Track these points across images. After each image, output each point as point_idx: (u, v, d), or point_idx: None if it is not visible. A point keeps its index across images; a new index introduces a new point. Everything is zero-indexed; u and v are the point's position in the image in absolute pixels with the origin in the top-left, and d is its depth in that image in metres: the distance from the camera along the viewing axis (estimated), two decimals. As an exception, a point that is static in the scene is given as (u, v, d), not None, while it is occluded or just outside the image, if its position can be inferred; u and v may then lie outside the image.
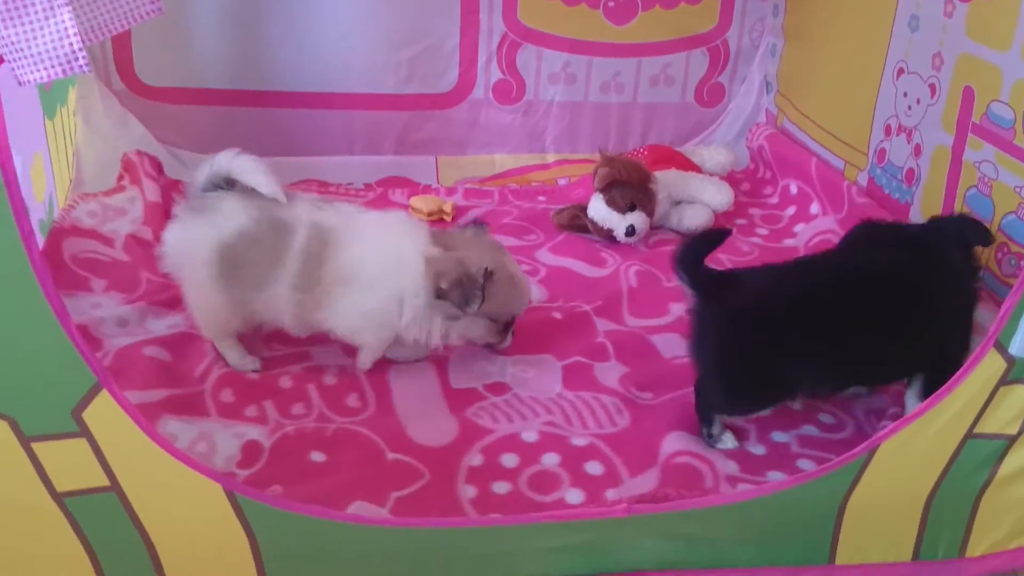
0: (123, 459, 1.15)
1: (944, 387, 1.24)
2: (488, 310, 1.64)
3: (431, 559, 1.28)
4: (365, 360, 1.73)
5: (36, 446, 1.12)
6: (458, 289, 1.59)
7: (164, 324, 1.83)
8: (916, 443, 1.26)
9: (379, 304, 1.63)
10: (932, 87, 1.97)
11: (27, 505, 1.16)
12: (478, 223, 1.77)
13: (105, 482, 1.16)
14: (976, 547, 1.35)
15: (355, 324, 1.67)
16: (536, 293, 1.88)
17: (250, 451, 1.50)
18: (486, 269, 1.60)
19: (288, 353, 1.78)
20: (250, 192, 1.66)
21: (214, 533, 1.21)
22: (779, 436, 1.59)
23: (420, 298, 1.62)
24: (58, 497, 1.16)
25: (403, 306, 1.63)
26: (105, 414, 1.12)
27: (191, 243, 1.66)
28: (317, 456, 1.50)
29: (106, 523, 1.18)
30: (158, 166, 2.38)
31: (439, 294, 1.60)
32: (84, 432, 1.12)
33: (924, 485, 1.30)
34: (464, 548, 1.28)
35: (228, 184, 1.67)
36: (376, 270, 1.63)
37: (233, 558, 1.22)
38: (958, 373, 1.23)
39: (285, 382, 1.69)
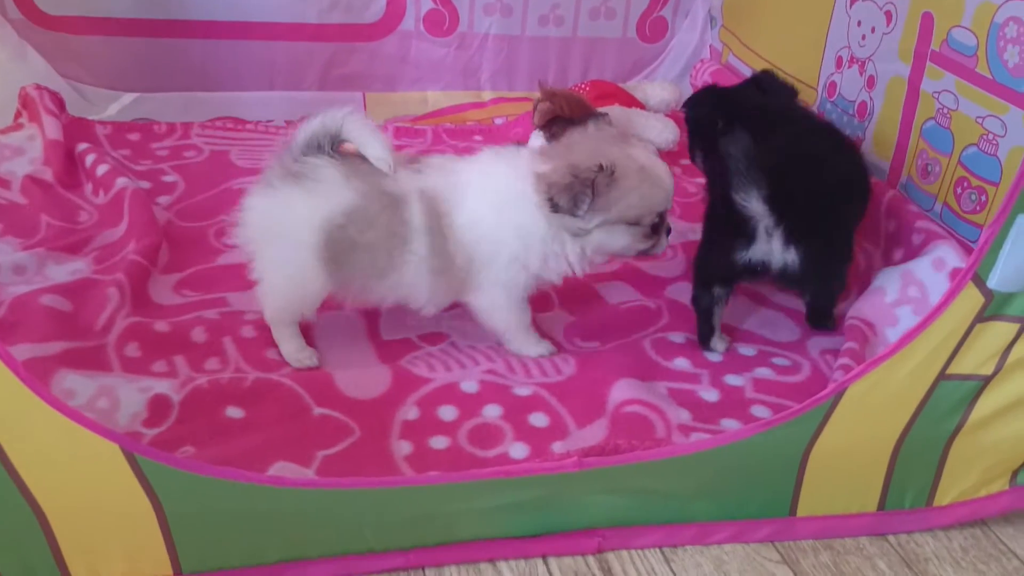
0: (5, 419, 1.00)
1: (918, 324, 1.15)
2: (622, 212, 1.41)
3: (363, 523, 1.16)
4: (520, 345, 1.54)
5: (-98, 407, 0.97)
6: (567, 194, 1.38)
7: (65, 271, 1.68)
8: (886, 385, 1.17)
9: (515, 267, 1.46)
10: (888, 14, 1.87)
11: None
12: (597, 115, 1.54)
13: (-16, 444, 1.01)
14: (945, 496, 1.28)
15: (498, 302, 1.50)
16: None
17: (158, 407, 1.35)
18: (600, 164, 1.38)
19: (202, 299, 1.63)
20: (347, 158, 1.45)
21: (113, 500, 1.07)
22: (733, 380, 1.50)
23: (542, 227, 1.43)
24: (-71, 461, 1.01)
25: (531, 249, 1.45)
26: (-17, 370, 0.97)
27: (285, 217, 1.44)
28: (234, 412, 1.36)
29: (-12, 492, 1.04)
30: (59, 102, 2.19)
31: (554, 207, 1.40)
32: (-43, 389, 0.97)
33: (893, 431, 1.21)
34: (399, 509, 1.16)
35: (332, 146, 1.45)
36: (494, 228, 1.44)
37: (136, 527, 1.08)
38: (933, 309, 1.14)
39: (198, 335, 1.53)
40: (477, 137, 2.40)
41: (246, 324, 1.56)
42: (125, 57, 2.35)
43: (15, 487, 1.04)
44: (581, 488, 1.18)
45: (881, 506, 1.27)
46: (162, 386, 1.38)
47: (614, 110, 2.24)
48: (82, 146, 2.06)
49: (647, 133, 2.20)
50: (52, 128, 2.06)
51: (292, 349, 1.50)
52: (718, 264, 1.54)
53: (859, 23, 1.97)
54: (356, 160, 1.44)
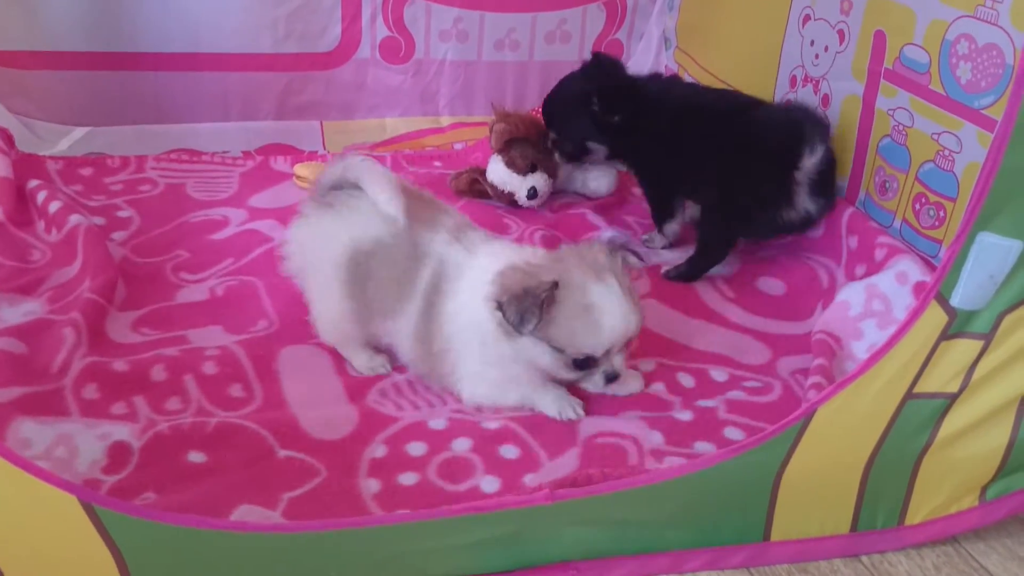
0: (-45, 474, 0.97)
1: (884, 344, 1.15)
2: (550, 336, 1.37)
3: (330, 565, 1.13)
4: (556, 412, 1.46)
5: None
6: (513, 303, 1.34)
7: (18, 312, 1.62)
8: (854, 406, 1.17)
9: (482, 361, 1.43)
10: (840, 33, 1.89)
11: None
12: (616, 245, 1.48)
13: (-67, 501, 0.97)
14: (916, 514, 1.28)
15: (482, 393, 1.47)
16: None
17: (117, 454, 1.31)
18: (554, 282, 1.35)
19: (161, 337, 1.59)
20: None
21: (72, 552, 1.04)
22: (705, 403, 1.49)
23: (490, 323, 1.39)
24: None
25: (485, 346, 1.42)
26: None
27: (320, 240, 1.52)
28: (196, 456, 1.32)
29: (-61, 551, 1.00)
30: (9, 139, 2.16)
31: (498, 308, 1.36)
32: (-98, 444, 0.94)
33: (862, 451, 1.21)
34: (368, 550, 1.14)
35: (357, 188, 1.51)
36: (463, 322, 1.43)
37: (97, 579, 1.05)
38: (898, 328, 1.15)
39: (158, 373, 1.49)
40: (437, 163, 2.39)
41: (207, 360, 1.52)
42: (75, 91, 2.31)
43: (-32, 543, 1.00)
44: (554, 521, 1.17)
45: (854, 527, 1.27)
46: (122, 432, 1.34)
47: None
48: (33, 183, 2.01)
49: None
50: (0, 166, 2.01)
51: (361, 362, 1.55)
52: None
53: (812, 42, 1.99)
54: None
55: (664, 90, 1.99)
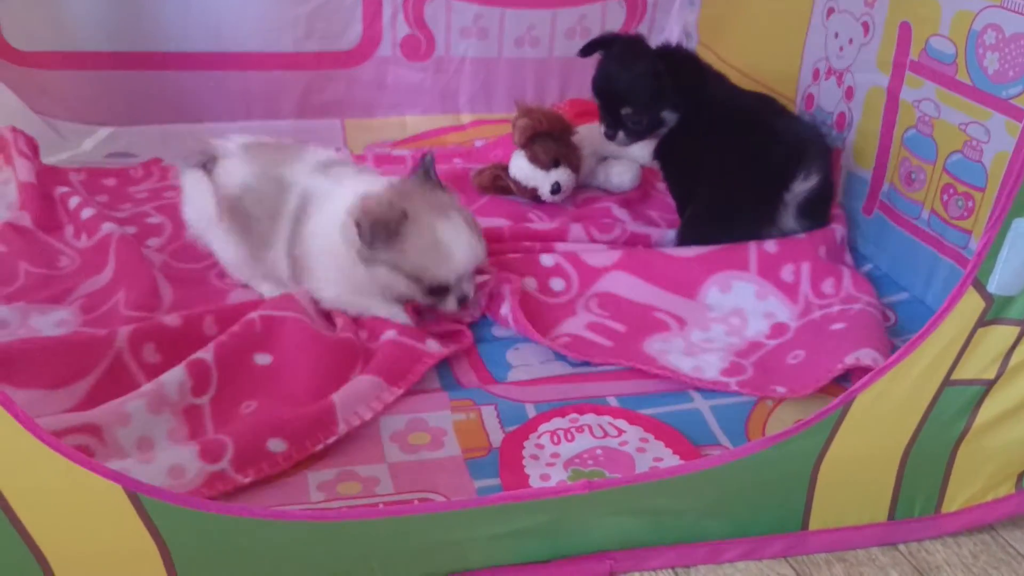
0: (5, 464, 0.97)
1: (921, 331, 1.15)
2: (402, 265, 1.55)
3: (371, 554, 1.13)
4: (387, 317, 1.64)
5: None
6: (367, 222, 1.51)
7: (49, 321, 1.61)
8: (893, 393, 1.17)
9: (336, 272, 1.61)
10: (865, 25, 1.89)
11: None
12: (424, 159, 1.64)
13: (-17, 491, 0.98)
14: (952, 502, 1.27)
15: (335, 299, 1.64)
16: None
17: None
18: (403, 211, 1.52)
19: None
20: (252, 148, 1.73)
21: (117, 541, 1.04)
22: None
23: (344, 247, 1.57)
24: (-76, 512, 0.98)
25: (343, 260, 1.58)
26: (-22, 413, 0.94)
27: (199, 201, 1.73)
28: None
29: (-13, 539, 1.00)
30: (34, 147, 2.14)
31: (357, 230, 1.53)
32: (-48, 435, 0.94)
33: (900, 439, 1.21)
34: (407, 540, 1.14)
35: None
36: (320, 241, 1.61)
37: (140, 568, 1.05)
38: (936, 315, 1.14)
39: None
40: (457, 160, 2.39)
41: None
42: (99, 91, 2.33)
43: (15, 532, 1.01)
44: (591, 510, 1.17)
45: (891, 515, 1.27)
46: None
47: (595, 127, 2.24)
48: (62, 189, 2.01)
49: (630, 150, 2.20)
50: (25, 171, 2.01)
51: (267, 289, 1.72)
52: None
53: (836, 35, 1.99)
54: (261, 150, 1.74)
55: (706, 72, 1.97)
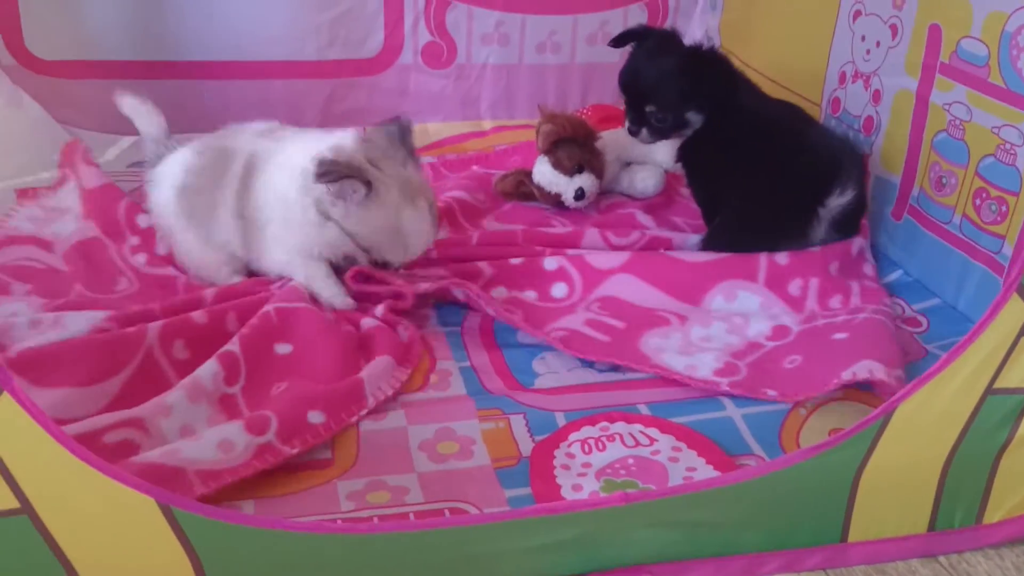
0: (34, 475, 0.97)
1: (964, 339, 1.13)
2: (356, 233, 1.58)
3: (405, 567, 1.12)
4: (327, 298, 1.66)
5: (-76, 468, 0.93)
6: (333, 172, 1.51)
7: (81, 320, 1.56)
8: (934, 402, 1.15)
9: (285, 230, 1.63)
10: (893, 28, 1.87)
11: (-83, 540, 0.96)
12: (400, 121, 1.68)
13: (14, 503, 0.97)
14: (994, 513, 1.25)
15: (279, 259, 1.67)
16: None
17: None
18: (369, 183, 1.53)
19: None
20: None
21: (149, 554, 1.03)
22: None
23: (302, 200, 1.58)
24: (-43, 527, 0.97)
25: (291, 220, 1.61)
26: (8, 422, 0.93)
27: (156, 199, 1.77)
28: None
29: (19, 553, 1.00)
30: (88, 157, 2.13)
31: (316, 176, 1.52)
32: (-17, 446, 0.93)
33: (942, 448, 1.19)
34: (441, 552, 1.12)
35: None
36: (271, 194, 1.63)
37: (173, 582, 1.04)
38: (979, 322, 1.12)
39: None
40: (475, 167, 2.38)
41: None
42: (122, 100, 2.32)
43: (46, 546, 1.00)
44: (628, 523, 1.15)
45: (931, 527, 1.24)
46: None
47: (619, 132, 2.23)
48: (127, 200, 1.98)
49: (655, 155, 2.19)
50: (91, 178, 2.00)
51: (224, 276, 1.74)
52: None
53: (863, 37, 1.97)
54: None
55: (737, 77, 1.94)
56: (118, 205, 1.94)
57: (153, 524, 1.00)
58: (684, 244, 1.94)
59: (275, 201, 1.64)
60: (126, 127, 2.32)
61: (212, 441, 1.28)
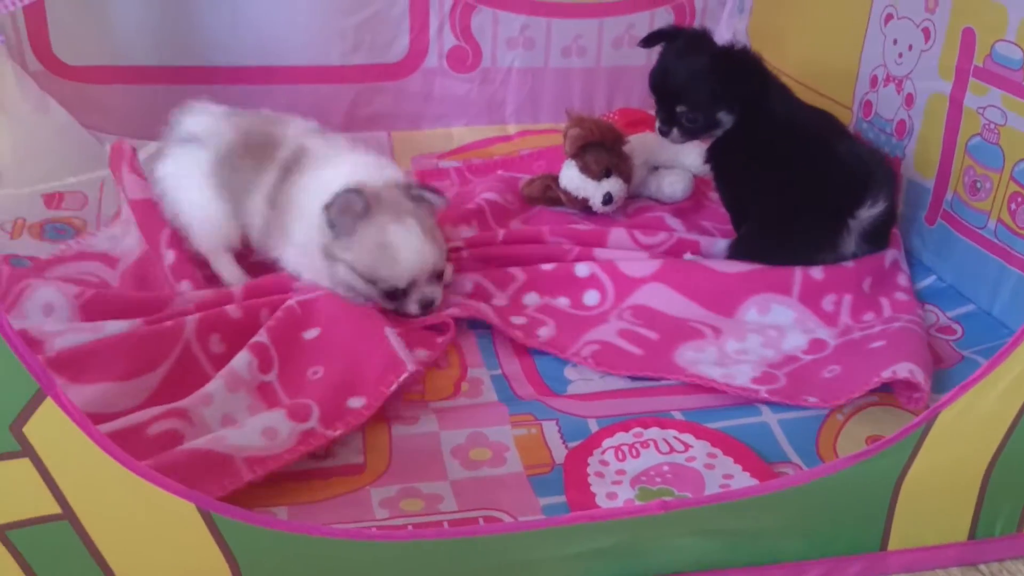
0: (75, 480, 0.97)
1: (1006, 345, 1.12)
2: (355, 264, 1.61)
3: (439, 573, 1.11)
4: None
5: (-32, 472, 0.93)
6: (334, 208, 1.58)
7: (121, 324, 1.55)
8: (977, 409, 1.14)
9: (305, 238, 1.65)
10: (926, 31, 1.85)
11: (-40, 545, 0.96)
12: (420, 187, 1.70)
13: (55, 509, 0.97)
14: (1036, 520, 1.24)
15: (293, 257, 1.70)
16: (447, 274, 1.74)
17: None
18: (366, 203, 1.58)
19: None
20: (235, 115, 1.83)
21: (188, 559, 1.04)
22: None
23: (316, 234, 1.63)
24: (0, 531, 0.97)
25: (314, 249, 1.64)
26: (51, 427, 0.93)
27: (189, 164, 1.79)
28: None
29: (60, 558, 1.00)
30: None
31: (326, 211, 1.59)
32: (27, 451, 0.94)
33: (983, 456, 1.17)
34: (481, 559, 1.12)
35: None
36: (313, 198, 1.63)
37: (212, 589, 1.04)
38: (1021, 328, 1.11)
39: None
40: (500, 172, 2.37)
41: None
42: (148, 105, 2.31)
43: (88, 553, 1.00)
44: (667, 531, 1.14)
45: (972, 535, 1.23)
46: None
47: (646, 136, 2.23)
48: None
49: (683, 159, 2.18)
50: (135, 188, 1.92)
51: (231, 273, 1.79)
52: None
53: (895, 41, 1.95)
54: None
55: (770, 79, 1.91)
56: (160, 233, 1.83)
57: (193, 529, 1.00)
58: (711, 248, 1.93)
59: (306, 211, 1.65)
60: (153, 132, 2.34)
61: (256, 428, 1.31)
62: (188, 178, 1.79)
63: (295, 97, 2.37)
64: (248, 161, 1.74)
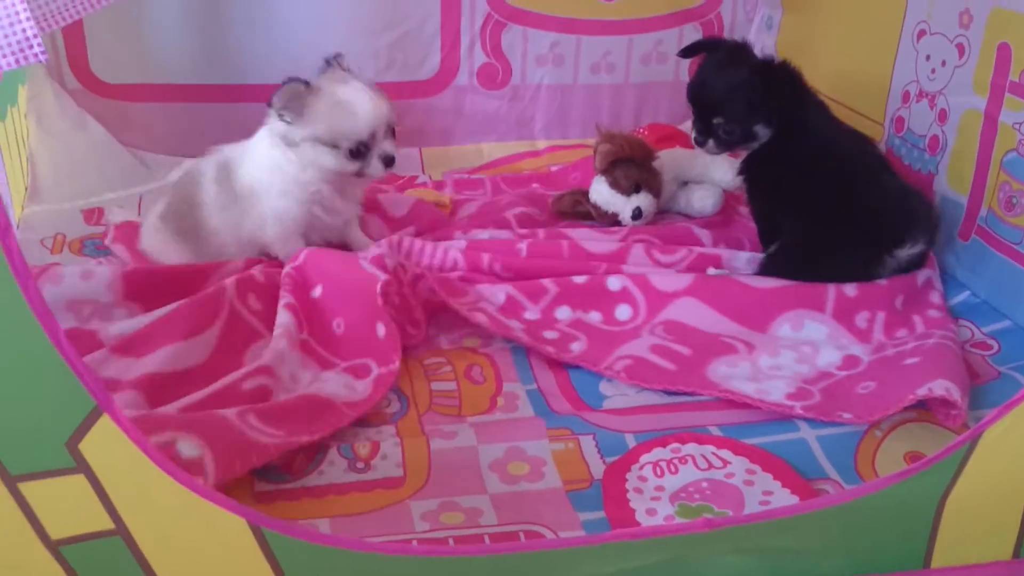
0: (129, 496, 0.98)
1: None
2: (318, 132, 1.74)
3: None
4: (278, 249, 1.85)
5: (24, 487, 0.95)
6: (279, 98, 1.73)
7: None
8: (1021, 428, 1.13)
9: (273, 174, 1.81)
10: (960, 47, 1.85)
11: (16, 559, 0.98)
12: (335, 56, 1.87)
13: (109, 525, 0.98)
14: (1080, 539, 1.23)
15: (278, 207, 1.82)
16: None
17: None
18: (306, 82, 1.73)
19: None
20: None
21: (238, 574, 1.04)
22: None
23: (273, 151, 1.80)
24: (53, 546, 0.98)
25: (273, 176, 1.81)
26: (106, 444, 0.94)
27: (148, 232, 1.93)
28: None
29: (111, 573, 1.01)
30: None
31: (270, 105, 1.75)
32: (82, 467, 0.95)
33: (1028, 474, 1.17)
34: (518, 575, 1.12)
35: None
36: (256, 160, 1.82)
37: (261, 605, 1.05)
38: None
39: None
40: (535, 185, 2.38)
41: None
42: (184, 123, 2.36)
43: (140, 569, 1.01)
44: (710, 549, 1.14)
45: (1016, 553, 1.22)
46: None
47: (676, 152, 2.24)
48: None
49: (713, 174, 2.18)
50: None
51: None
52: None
53: (928, 57, 1.95)
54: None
55: (809, 97, 1.91)
56: None
57: (244, 544, 1.01)
58: (733, 260, 1.93)
59: (262, 171, 1.82)
60: (189, 149, 2.37)
61: (339, 383, 1.51)
62: (153, 242, 1.92)
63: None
64: (188, 202, 1.87)
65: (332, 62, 1.86)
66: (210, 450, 1.24)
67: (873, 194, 1.78)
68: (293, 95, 1.73)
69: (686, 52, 2.00)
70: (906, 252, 1.77)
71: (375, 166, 1.78)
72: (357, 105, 1.75)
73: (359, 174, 1.80)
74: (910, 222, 1.77)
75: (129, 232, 1.98)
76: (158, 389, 1.44)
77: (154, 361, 1.48)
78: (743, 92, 1.82)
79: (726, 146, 1.90)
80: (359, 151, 1.76)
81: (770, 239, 1.94)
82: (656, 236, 2.02)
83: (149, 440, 0.96)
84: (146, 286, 1.71)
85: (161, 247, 1.89)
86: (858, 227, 1.76)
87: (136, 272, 1.75)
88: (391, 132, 1.81)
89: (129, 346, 1.53)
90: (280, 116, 1.75)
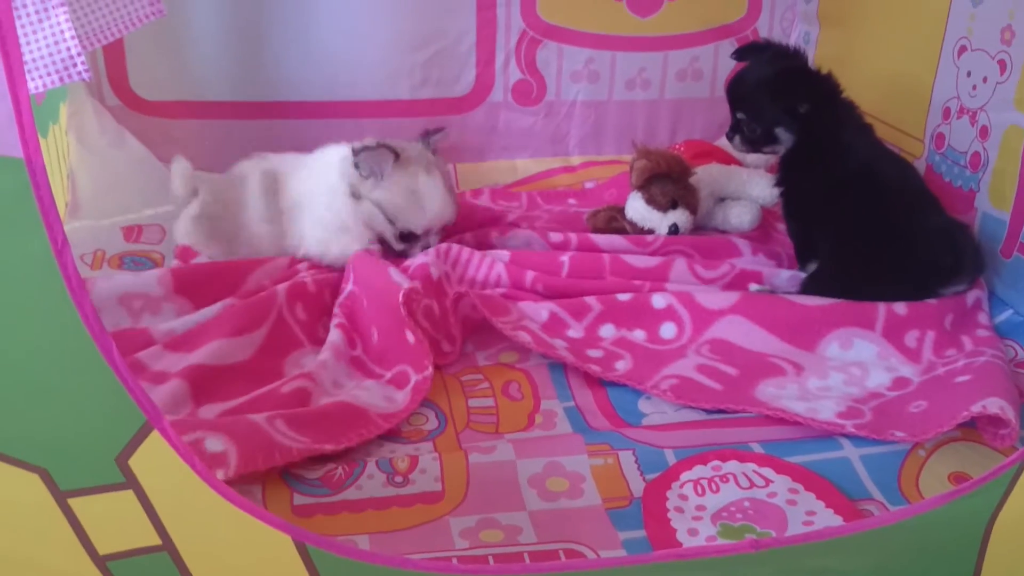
0: (177, 512, 0.99)
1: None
2: (383, 203, 1.83)
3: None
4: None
5: (74, 502, 0.96)
6: (368, 152, 1.79)
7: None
8: (1073, 449, 1.12)
9: (326, 210, 1.87)
10: (1002, 63, 1.84)
11: (64, 573, 0.99)
12: (431, 132, 1.95)
13: (156, 540, 0.99)
14: None
15: (319, 236, 1.88)
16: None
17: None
18: (396, 153, 1.79)
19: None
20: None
21: (280, 593, 1.05)
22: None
23: (339, 183, 1.86)
24: (101, 561, 0.99)
25: (331, 200, 1.86)
26: (155, 460, 0.95)
27: (180, 234, 1.99)
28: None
29: (157, 588, 1.02)
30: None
31: (354, 156, 1.82)
32: (131, 482, 0.96)
33: (1079, 496, 1.15)
34: (564, 595, 1.12)
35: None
36: (313, 184, 1.89)
37: (305, 623, 1.05)
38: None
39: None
40: (571, 200, 2.38)
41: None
42: (221, 140, 2.38)
43: (185, 583, 1.02)
44: (755, 571, 1.13)
45: (1066, 576, 1.21)
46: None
47: (713, 168, 2.23)
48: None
49: (750, 190, 2.17)
50: None
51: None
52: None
53: (968, 73, 1.94)
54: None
55: (848, 114, 1.91)
56: None
57: (289, 562, 1.01)
58: (774, 278, 1.91)
59: (314, 193, 1.88)
60: (227, 166, 2.39)
61: (377, 394, 1.55)
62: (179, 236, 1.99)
63: (363, 131, 2.39)
64: (225, 208, 1.94)
65: (430, 138, 1.93)
66: (235, 445, 1.31)
67: (920, 237, 1.75)
68: (380, 160, 1.81)
69: (737, 54, 2.04)
70: (952, 290, 1.77)
71: (415, 252, 1.86)
72: (428, 201, 1.84)
73: (398, 251, 1.90)
74: (956, 265, 1.76)
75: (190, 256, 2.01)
76: (201, 379, 1.53)
77: (202, 354, 1.58)
78: (763, 91, 1.84)
79: (751, 144, 1.91)
80: (410, 237, 1.87)
81: (806, 258, 1.93)
82: (693, 247, 2.01)
83: (183, 439, 0.97)
84: (194, 281, 1.79)
85: (193, 249, 1.94)
86: (902, 267, 1.74)
87: (185, 267, 1.86)
88: (443, 229, 1.91)
89: (182, 342, 1.62)
90: (357, 167, 1.83)
